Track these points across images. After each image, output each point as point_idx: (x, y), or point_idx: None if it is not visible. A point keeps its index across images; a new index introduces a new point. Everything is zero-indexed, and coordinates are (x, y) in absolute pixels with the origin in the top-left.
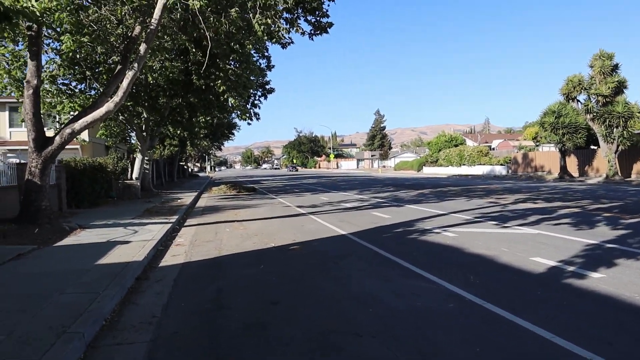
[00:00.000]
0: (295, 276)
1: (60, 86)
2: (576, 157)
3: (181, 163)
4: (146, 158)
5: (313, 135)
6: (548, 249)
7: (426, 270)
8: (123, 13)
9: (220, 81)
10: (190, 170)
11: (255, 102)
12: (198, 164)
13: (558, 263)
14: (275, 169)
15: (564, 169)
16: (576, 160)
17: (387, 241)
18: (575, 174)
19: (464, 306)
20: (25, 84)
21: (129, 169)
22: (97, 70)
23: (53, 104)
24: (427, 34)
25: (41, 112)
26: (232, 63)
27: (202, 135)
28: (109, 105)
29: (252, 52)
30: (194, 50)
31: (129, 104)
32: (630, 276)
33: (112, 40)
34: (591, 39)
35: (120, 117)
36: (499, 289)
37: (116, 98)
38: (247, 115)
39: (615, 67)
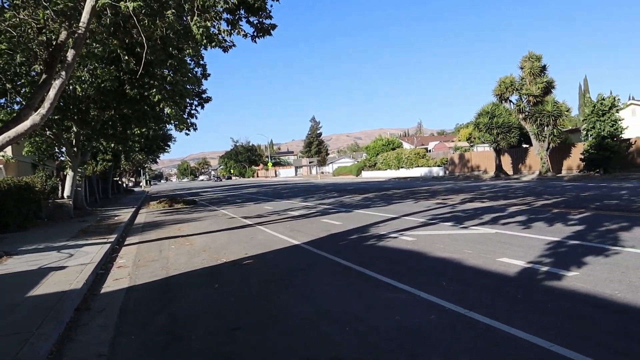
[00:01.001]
0: (256, 295)
1: None
2: (510, 155)
3: (115, 178)
4: (78, 175)
5: (250, 145)
6: (512, 248)
7: (395, 279)
8: (46, 17)
9: (155, 90)
10: (125, 185)
11: (192, 111)
12: (133, 179)
13: (528, 264)
14: (217, 179)
15: (499, 167)
16: (510, 159)
17: (345, 249)
18: (510, 172)
19: (449, 318)
20: None
21: (60, 188)
22: (18, 82)
23: None
24: (358, 39)
25: None
26: (168, 71)
27: (137, 148)
28: (34, 119)
29: (188, 60)
30: (126, 57)
31: (56, 117)
32: (602, 272)
33: (34, 47)
34: (518, 43)
35: (48, 132)
36: (478, 295)
37: (42, 110)
38: (185, 125)
39: (544, 68)
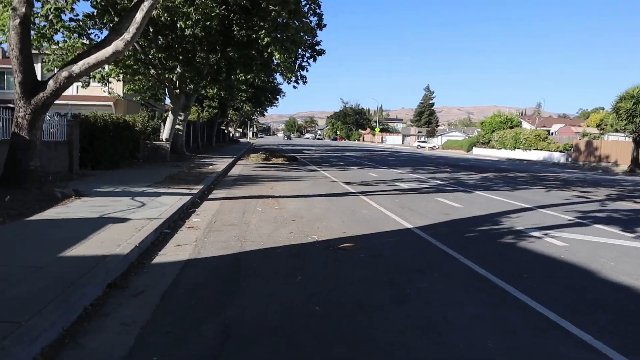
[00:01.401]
0: (351, 306)
1: (70, 22)
2: None
3: (222, 127)
4: (180, 119)
5: (359, 107)
6: None
7: (566, 317)
8: None
9: (264, 32)
10: (231, 135)
11: (303, 63)
12: (240, 130)
13: None
14: (318, 139)
15: (635, 161)
16: None
17: (476, 247)
18: None
19: None
20: (11, 11)
21: (162, 130)
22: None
23: (60, 45)
24: (478, 13)
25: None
26: (281, 12)
27: (243, 98)
28: (117, 45)
29: (303, 4)
30: None
31: (161, 56)
32: None
33: None
34: None
35: (152, 71)
36: None
37: (127, 35)
38: (293, 75)
39: None
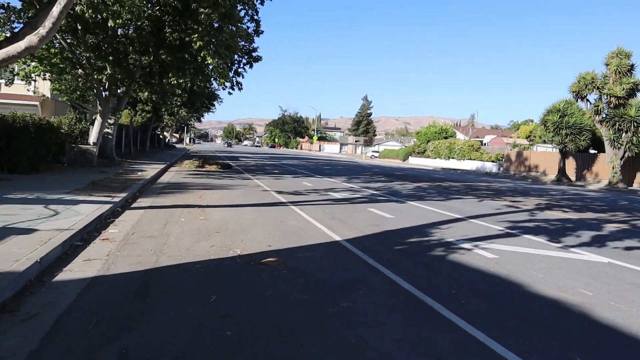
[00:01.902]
0: (267, 330)
1: None
2: (575, 160)
3: (157, 132)
4: (110, 122)
5: (298, 115)
6: None
7: (494, 336)
8: None
9: (197, 35)
10: (167, 140)
11: (240, 69)
12: (177, 135)
13: None
14: (227, 144)
15: (562, 171)
16: (574, 164)
17: (404, 260)
18: (573, 177)
19: None
20: None
21: (90, 133)
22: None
23: None
24: (418, 25)
25: None
26: (214, 16)
27: (178, 102)
28: (30, 39)
29: (240, 9)
30: None
31: (89, 55)
32: None
33: None
34: (582, 49)
35: (80, 71)
36: None
37: (42, 30)
38: (227, 80)
39: (632, 68)
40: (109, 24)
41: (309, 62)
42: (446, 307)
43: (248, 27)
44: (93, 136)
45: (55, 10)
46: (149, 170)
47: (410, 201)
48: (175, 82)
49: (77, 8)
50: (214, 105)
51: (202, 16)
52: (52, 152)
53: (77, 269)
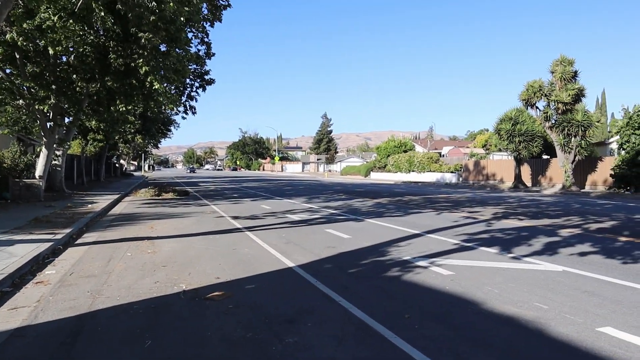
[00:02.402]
0: None
1: None
2: (530, 166)
3: (113, 161)
4: (57, 153)
5: (258, 137)
6: (606, 305)
7: None
8: None
9: (142, 60)
10: (124, 169)
11: (192, 93)
12: (135, 163)
13: None
14: (190, 170)
15: (518, 178)
16: (529, 170)
17: (358, 285)
18: (529, 183)
19: None
20: None
21: (37, 166)
22: None
23: None
24: (373, 40)
25: None
26: (157, 39)
27: (132, 130)
28: None
29: (189, 32)
30: (102, 13)
31: (29, 85)
32: None
33: None
34: (529, 55)
35: (21, 102)
36: None
37: None
38: (177, 105)
39: (575, 74)
40: (50, 52)
41: (268, 82)
42: (398, 335)
43: (199, 50)
44: (39, 169)
45: None
46: (101, 201)
47: (369, 219)
48: (123, 109)
49: (8, 36)
50: (170, 130)
51: (143, 40)
52: None
53: (1, 320)
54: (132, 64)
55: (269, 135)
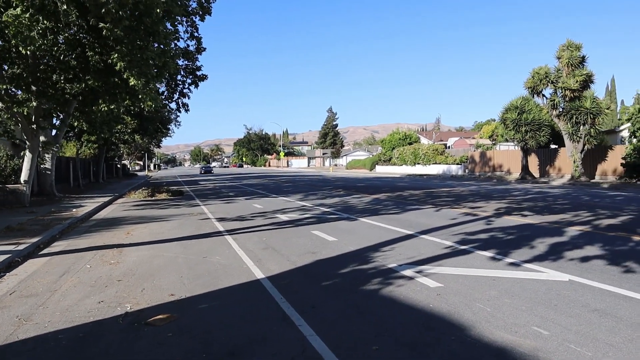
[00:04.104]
0: None
1: None
2: (537, 156)
3: (114, 161)
4: (47, 156)
5: (263, 133)
6: (626, 331)
7: None
8: None
9: (117, 55)
10: (128, 169)
11: (184, 90)
12: (141, 163)
13: None
14: (225, 167)
15: (525, 168)
16: (537, 160)
17: (330, 300)
18: (537, 174)
19: None
20: None
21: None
22: None
23: None
24: (379, 31)
25: None
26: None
27: (128, 130)
28: None
29: (179, 26)
30: (64, 6)
31: (6, 87)
32: None
33: None
34: (539, 41)
35: (0, 105)
36: None
37: None
38: (156, 103)
39: (583, 59)
40: (22, 51)
41: (275, 78)
42: None
43: (188, 45)
44: (24, 174)
45: None
46: (88, 205)
47: (362, 217)
48: (106, 109)
49: None
50: (169, 129)
51: (105, 32)
52: None
53: None
54: (109, 61)
55: (276, 131)
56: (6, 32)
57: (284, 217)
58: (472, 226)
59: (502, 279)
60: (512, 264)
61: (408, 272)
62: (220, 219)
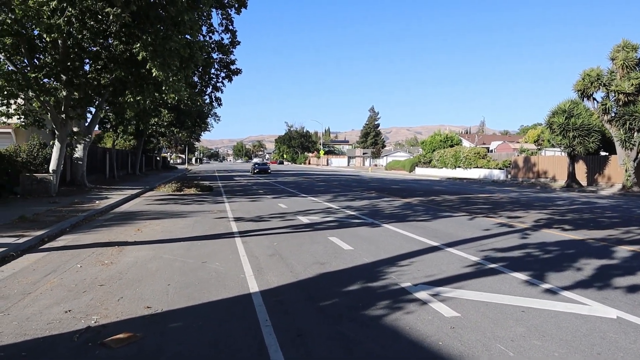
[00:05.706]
0: None
1: None
2: (585, 163)
3: (154, 153)
4: (79, 146)
5: (304, 130)
6: None
7: None
8: None
9: (139, 45)
10: (168, 162)
11: (218, 84)
12: (183, 156)
13: None
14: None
15: (572, 176)
16: (585, 167)
17: (319, 329)
18: (584, 182)
19: None
20: None
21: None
22: None
23: None
24: (425, 32)
25: None
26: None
27: (165, 123)
28: None
29: (216, 18)
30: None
31: (36, 75)
32: None
33: None
34: (588, 43)
35: (31, 93)
36: None
37: None
38: (179, 96)
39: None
40: (46, 39)
41: (320, 77)
42: None
43: (222, 38)
44: (52, 163)
45: None
46: (114, 197)
47: (387, 224)
48: (132, 100)
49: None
50: (206, 123)
51: (111, 17)
52: (2, 182)
53: None
54: (133, 50)
55: (317, 129)
56: (16, 12)
57: (304, 220)
58: (506, 240)
59: (534, 311)
60: (547, 290)
61: (422, 295)
62: (238, 219)
